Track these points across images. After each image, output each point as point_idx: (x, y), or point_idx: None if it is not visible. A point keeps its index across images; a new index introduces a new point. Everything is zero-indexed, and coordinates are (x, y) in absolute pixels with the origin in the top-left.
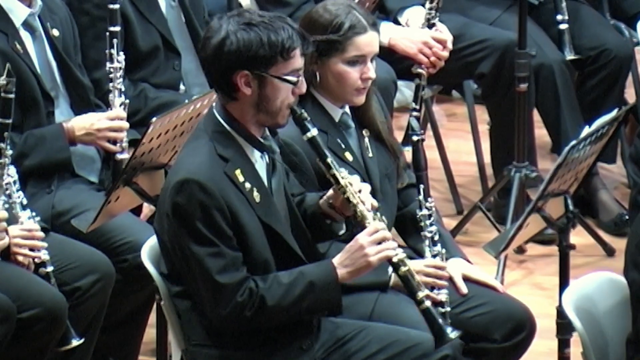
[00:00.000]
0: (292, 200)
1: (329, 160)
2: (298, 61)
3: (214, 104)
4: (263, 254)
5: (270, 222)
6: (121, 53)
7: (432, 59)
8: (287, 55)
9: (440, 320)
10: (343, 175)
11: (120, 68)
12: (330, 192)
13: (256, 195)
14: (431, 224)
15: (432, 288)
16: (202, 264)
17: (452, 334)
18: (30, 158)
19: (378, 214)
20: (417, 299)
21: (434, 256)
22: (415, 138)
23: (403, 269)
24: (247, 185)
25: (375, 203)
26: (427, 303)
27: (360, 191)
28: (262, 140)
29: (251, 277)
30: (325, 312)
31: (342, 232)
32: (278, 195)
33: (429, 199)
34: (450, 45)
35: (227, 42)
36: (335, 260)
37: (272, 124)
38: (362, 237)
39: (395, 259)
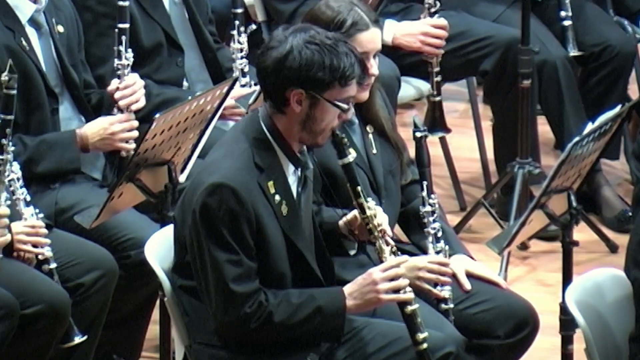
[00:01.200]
0: (315, 218)
1: (359, 188)
2: (353, 89)
3: (259, 109)
4: (281, 267)
5: (293, 236)
6: (129, 50)
7: (437, 42)
8: (345, 83)
9: None
10: (370, 205)
11: (128, 65)
12: (351, 216)
13: (284, 208)
14: (434, 221)
15: (435, 285)
16: (219, 268)
17: None
18: (40, 165)
19: (395, 247)
20: (416, 339)
21: (438, 252)
22: (418, 135)
23: (410, 308)
24: (277, 197)
25: (390, 233)
26: (425, 345)
27: (381, 224)
28: (299, 155)
29: (263, 290)
30: (324, 339)
31: (353, 252)
32: (305, 212)
33: (432, 196)
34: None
35: (290, 57)
36: (346, 290)
37: (312, 143)
38: (375, 273)
39: (405, 297)
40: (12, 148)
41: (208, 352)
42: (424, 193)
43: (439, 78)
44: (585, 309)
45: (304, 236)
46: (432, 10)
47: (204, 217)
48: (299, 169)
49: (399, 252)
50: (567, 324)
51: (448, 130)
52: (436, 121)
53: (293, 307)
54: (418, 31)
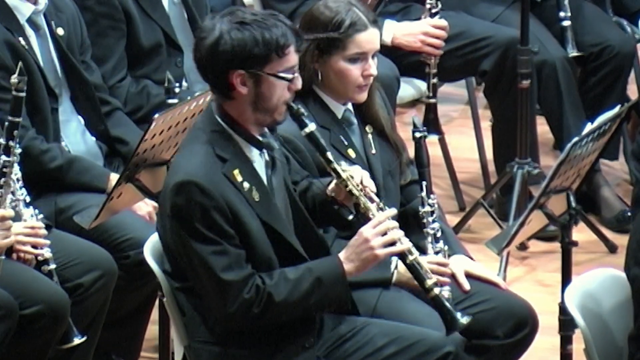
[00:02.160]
0: (295, 195)
1: (329, 154)
2: (293, 58)
3: (212, 103)
4: (266, 253)
5: (270, 220)
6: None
7: (437, 42)
8: (282, 53)
9: (450, 307)
10: (343, 168)
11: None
12: (332, 185)
13: (255, 194)
14: (434, 221)
15: (434, 285)
16: (206, 262)
17: (463, 319)
18: (64, 180)
19: (382, 203)
20: (425, 286)
21: (437, 253)
22: (417, 135)
23: (410, 257)
24: (246, 184)
25: (374, 188)
26: (436, 290)
27: (362, 182)
28: (260, 138)
29: (257, 273)
30: (333, 307)
31: (351, 216)
32: (279, 193)
33: (432, 196)
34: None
35: (222, 42)
36: (342, 255)
37: (270, 122)
38: (366, 230)
39: (401, 248)
40: (19, 150)
41: (207, 349)
42: (423, 193)
43: (435, 80)
44: (585, 309)
45: (281, 218)
46: (434, 11)
47: (177, 218)
48: (265, 152)
49: (386, 207)
50: (566, 324)
51: (440, 133)
52: (430, 123)
53: (292, 283)
54: (418, 31)
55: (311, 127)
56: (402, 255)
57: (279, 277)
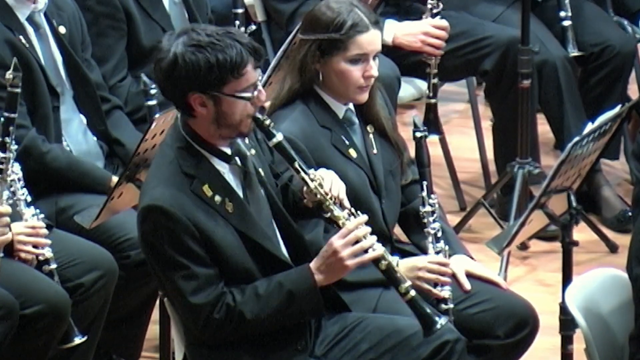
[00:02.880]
0: (276, 199)
1: (297, 164)
2: (251, 76)
3: (178, 117)
4: (243, 264)
5: (246, 230)
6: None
7: (437, 42)
8: (238, 73)
9: (427, 309)
10: (312, 177)
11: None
12: (303, 191)
13: (228, 205)
14: (434, 221)
15: (435, 284)
16: (175, 287)
17: (441, 320)
18: (65, 181)
19: (353, 209)
20: (400, 291)
21: (437, 253)
22: (418, 135)
23: (383, 263)
24: (217, 198)
25: (346, 202)
26: (412, 293)
27: (331, 189)
28: (228, 150)
29: (228, 291)
30: (306, 318)
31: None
32: (255, 200)
33: (432, 196)
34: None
35: (176, 66)
36: (312, 265)
37: (236, 135)
38: (335, 241)
39: (373, 256)
40: (15, 147)
41: (198, 351)
42: (424, 193)
43: (436, 80)
44: (585, 309)
45: (257, 227)
46: (435, 11)
47: (146, 244)
48: (236, 161)
49: (358, 213)
50: (567, 324)
51: (441, 133)
52: (430, 123)
53: (263, 300)
54: (419, 31)
55: (279, 137)
56: (374, 261)
57: (250, 293)
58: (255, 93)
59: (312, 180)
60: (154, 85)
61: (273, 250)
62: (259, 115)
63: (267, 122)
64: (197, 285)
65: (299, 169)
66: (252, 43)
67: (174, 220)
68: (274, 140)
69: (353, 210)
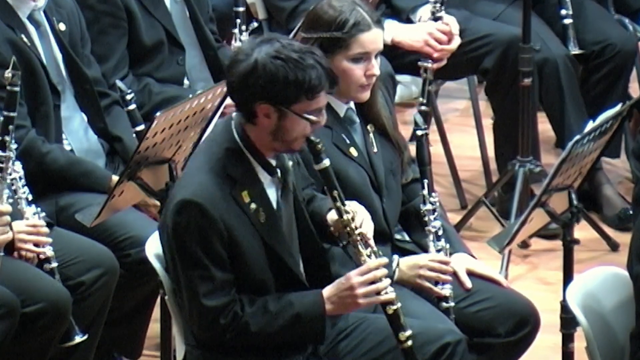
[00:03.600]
0: (305, 215)
1: (336, 193)
2: (322, 100)
3: (233, 116)
4: (261, 274)
5: (272, 242)
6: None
7: (439, 47)
8: (312, 96)
9: None
10: (348, 209)
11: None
12: (333, 217)
13: (261, 215)
14: (435, 219)
15: (436, 283)
16: (191, 284)
17: None
18: (65, 182)
19: (376, 248)
20: (399, 339)
21: (438, 251)
22: (419, 133)
23: (392, 307)
24: (253, 205)
25: (372, 242)
26: (409, 343)
27: (361, 225)
28: (274, 162)
29: (238, 300)
30: (307, 342)
31: (344, 242)
32: (286, 215)
33: (433, 194)
34: (456, 31)
35: (255, 73)
36: (325, 294)
37: (285, 150)
38: (354, 277)
39: (384, 298)
40: (15, 146)
41: (195, 353)
42: (425, 191)
43: (431, 87)
44: (586, 307)
45: (283, 241)
46: (437, 15)
47: (175, 235)
48: (277, 174)
49: (379, 254)
50: (567, 323)
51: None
52: None
53: (270, 316)
54: (424, 31)
55: (326, 162)
56: (384, 305)
57: (259, 306)
58: (320, 117)
59: (346, 212)
60: (130, 91)
61: (293, 267)
62: (313, 138)
63: (320, 145)
64: (212, 287)
65: (337, 198)
66: (332, 70)
67: (209, 220)
68: (322, 164)
69: (376, 249)
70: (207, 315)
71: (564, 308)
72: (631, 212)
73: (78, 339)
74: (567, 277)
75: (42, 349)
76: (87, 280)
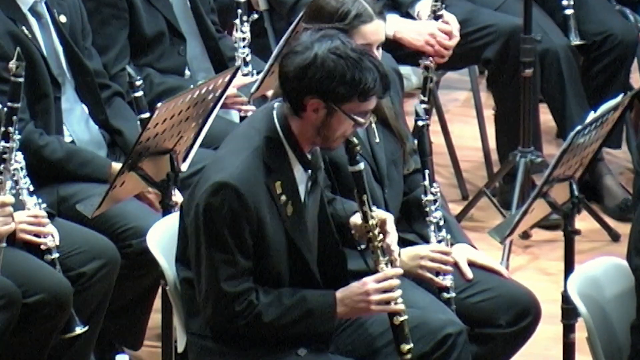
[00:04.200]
0: (329, 219)
1: (365, 197)
2: (372, 104)
3: (275, 105)
4: (278, 267)
5: (295, 237)
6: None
7: (437, 47)
8: (365, 99)
9: None
10: (374, 215)
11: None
12: (357, 221)
13: (289, 208)
14: (436, 209)
15: (437, 274)
16: (212, 267)
17: None
18: (66, 172)
19: (394, 256)
20: (402, 350)
21: (439, 241)
22: (420, 123)
23: (399, 318)
24: (283, 197)
25: (396, 253)
26: (409, 357)
27: (384, 234)
28: (310, 156)
29: (255, 289)
30: (312, 339)
31: (362, 246)
32: (312, 212)
33: (434, 184)
34: (457, 34)
35: (313, 66)
36: (339, 295)
37: (324, 147)
38: (370, 283)
39: (394, 308)
40: (18, 137)
41: (199, 343)
42: (426, 182)
43: (432, 84)
44: (587, 298)
45: (306, 237)
46: (438, 13)
47: (206, 215)
48: (309, 170)
49: (396, 265)
50: (568, 313)
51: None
52: None
53: (283, 308)
54: (425, 31)
55: (361, 165)
56: (391, 315)
57: (274, 298)
58: (365, 120)
59: (372, 217)
60: (139, 77)
61: (311, 264)
62: (353, 139)
63: (358, 147)
64: (234, 273)
65: (365, 203)
66: (387, 77)
67: (243, 205)
68: (357, 167)
69: (395, 258)
70: (223, 300)
71: (565, 298)
72: (632, 202)
73: (79, 329)
74: (568, 268)
75: (43, 340)
76: (88, 271)
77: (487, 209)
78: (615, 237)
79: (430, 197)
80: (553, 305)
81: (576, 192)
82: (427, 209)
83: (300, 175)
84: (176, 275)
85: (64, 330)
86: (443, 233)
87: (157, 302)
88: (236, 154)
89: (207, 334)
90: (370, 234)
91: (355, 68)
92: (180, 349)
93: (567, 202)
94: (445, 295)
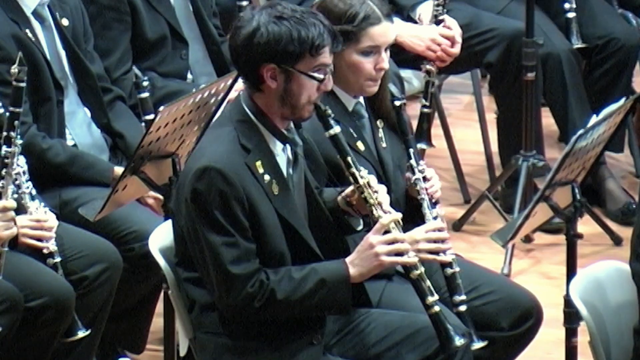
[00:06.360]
0: (315, 193)
1: (350, 158)
2: (326, 59)
3: (241, 92)
4: (279, 247)
5: (286, 215)
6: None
7: (439, 53)
8: (316, 52)
9: (447, 325)
10: (362, 174)
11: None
12: (349, 190)
13: (275, 187)
14: (425, 181)
15: (437, 253)
16: (216, 252)
17: (459, 341)
18: (68, 176)
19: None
20: (426, 303)
21: (435, 218)
22: (397, 103)
23: (415, 272)
24: (267, 177)
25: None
26: (436, 308)
27: (377, 192)
28: (285, 132)
29: (263, 269)
30: (333, 311)
31: (360, 227)
32: (298, 189)
33: (421, 162)
34: (459, 39)
35: (258, 33)
36: (348, 259)
37: (296, 118)
38: (371, 237)
39: (407, 261)
40: (20, 141)
41: (214, 340)
42: (412, 160)
43: (434, 89)
44: (589, 302)
45: (297, 214)
46: (439, 18)
47: (195, 203)
48: (288, 147)
49: (400, 222)
50: (571, 317)
51: (431, 145)
52: (422, 133)
53: (295, 282)
54: (427, 36)
55: (336, 129)
56: (407, 268)
57: (284, 274)
58: (327, 76)
59: (361, 177)
60: (145, 77)
61: (308, 240)
62: (321, 104)
63: (328, 111)
64: (238, 255)
65: (351, 164)
66: (333, 28)
67: (230, 185)
68: (331, 131)
69: (392, 211)
70: (234, 283)
71: (567, 302)
72: (634, 206)
73: (81, 333)
74: (571, 272)
75: (45, 344)
76: (91, 275)
77: (490, 213)
78: (617, 240)
79: (418, 174)
80: (555, 309)
81: (578, 196)
82: (418, 188)
83: (281, 153)
84: (179, 279)
85: (66, 334)
86: (437, 210)
87: (160, 306)
88: (212, 142)
89: (222, 330)
90: (364, 193)
91: (299, 25)
92: (182, 353)
93: (569, 205)
94: (449, 270)
